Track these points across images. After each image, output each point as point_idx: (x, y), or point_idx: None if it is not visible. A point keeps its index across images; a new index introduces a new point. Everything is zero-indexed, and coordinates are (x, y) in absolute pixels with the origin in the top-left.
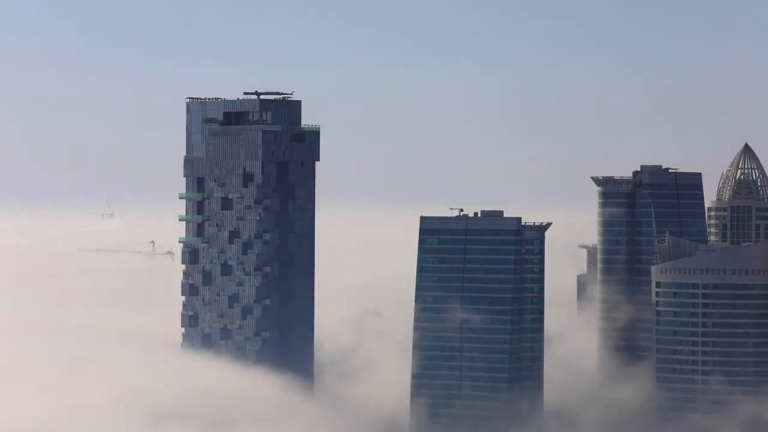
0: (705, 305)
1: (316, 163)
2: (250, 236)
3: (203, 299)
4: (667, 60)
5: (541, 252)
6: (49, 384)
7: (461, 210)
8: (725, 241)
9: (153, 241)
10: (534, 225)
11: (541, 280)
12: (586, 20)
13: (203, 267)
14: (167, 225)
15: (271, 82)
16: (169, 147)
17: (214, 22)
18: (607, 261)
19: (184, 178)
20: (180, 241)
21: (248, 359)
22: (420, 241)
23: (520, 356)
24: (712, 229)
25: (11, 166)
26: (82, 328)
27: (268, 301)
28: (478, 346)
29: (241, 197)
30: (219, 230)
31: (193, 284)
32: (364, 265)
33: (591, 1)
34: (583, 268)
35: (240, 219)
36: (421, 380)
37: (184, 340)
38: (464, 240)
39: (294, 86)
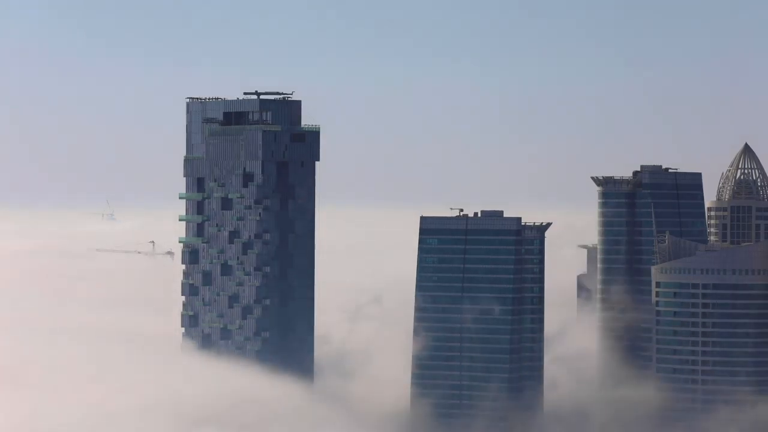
0: (705, 305)
1: (316, 163)
2: (250, 236)
3: (203, 299)
4: (667, 60)
5: (541, 252)
6: (72, 387)
7: (461, 210)
8: (725, 241)
9: (153, 241)
10: (534, 225)
11: (541, 280)
12: (586, 20)
13: (203, 267)
14: (167, 225)
15: (271, 82)
16: (169, 147)
17: (214, 22)
18: (607, 261)
19: (184, 178)
20: (180, 241)
21: (248, 359)
22: (420, 241)
23: (520, 356)
24: (712, 229)
25: (11, 166)
26: (90, 329)
27: (268, 301)
28: (478, 346)
29: (241, 197)
30: (219, 230)
31: (193, 284)
32: (364, 265)
33: (591, 1)
34: (583, 268)
35: (240, 219)
36: (421, 380)
37: (184, 340)
38: (464, 240)
39: (294, 86)
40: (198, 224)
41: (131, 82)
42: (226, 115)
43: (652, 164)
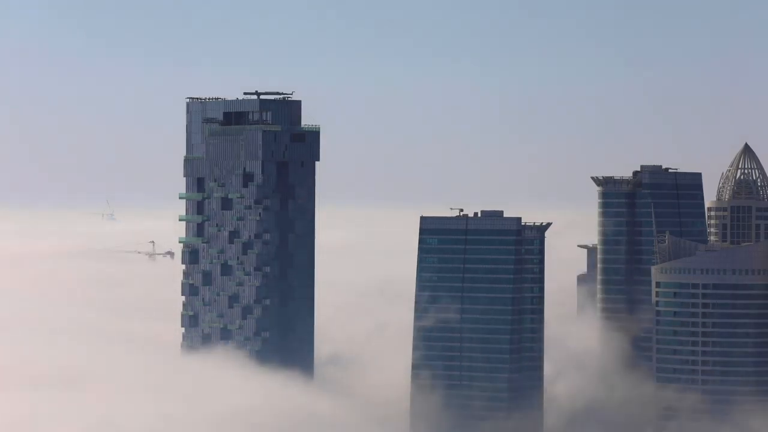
0: (705, 305)
1: (316, 163)
2: (250, 236)
3: (203, 299)
4: (667, 60)
5: (541, 252)
6: (127, 391)
7: (461, 210)
8: (725, 241)
9: (153, 241)
10: (534, 225)
11: (541, 280)
12: (586, 20)
13: (203, 267)
14: (167, 225)
15: (271, 82)
16: (169, 147)
17: (214, 22)
18: (607, 261)
19: (184, 178)
20: (180, 241)
21: (248, 359)
22: (420, 241)
23: (520, 356)
24: (712, 229)
25: (11, 166)
26: (107, 333)
27: (268, 301)
28: (478, 346)
29: (241, 197)
30: (219, 230)
31: (193, 284)
32: (364, 265)
33: (591, 1)
34: (583, 268)
35: (240, 219)
36: (421, 380)
37: (184, 340)
38: (464, 240)
39: (294, 86)
40: (198, 224)
41: (131, 82)
42: (226, 115)
43: (652, 164)
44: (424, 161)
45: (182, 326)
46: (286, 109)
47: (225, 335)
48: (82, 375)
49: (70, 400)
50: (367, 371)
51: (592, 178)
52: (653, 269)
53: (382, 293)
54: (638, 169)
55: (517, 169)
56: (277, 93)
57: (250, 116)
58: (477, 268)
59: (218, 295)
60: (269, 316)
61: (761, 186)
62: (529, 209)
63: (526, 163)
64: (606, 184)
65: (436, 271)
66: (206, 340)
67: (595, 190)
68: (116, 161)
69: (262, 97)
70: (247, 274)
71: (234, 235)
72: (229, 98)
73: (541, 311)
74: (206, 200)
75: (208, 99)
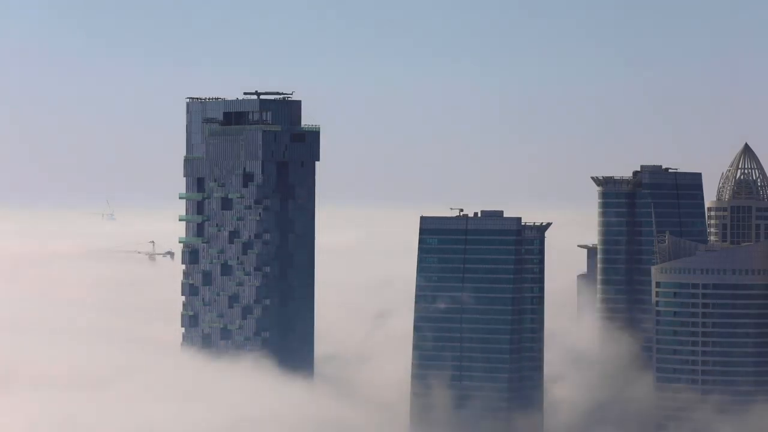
0: (705, 305)
1: (316, 163)
2: (250, 236)
3: (203, 299)
4: (667, 60)
5: (541, 252)
6: (153, 396)
7: (461, 210)
8: (725, 241)
9: (153, 241)
10: (534, 225)
11: (541, 280)
12: (586, 20)
13: (203, 267)
14: (167, 225)
15: (271, 82)
16: (169, 147)
17: (214, 22)
18: (607, 261)
19: (184, 178)
20: (180, 241)
21: (248, 359)
22: (420, 241)
23: (520, 356)
24: (712, 229)
25: (11, 166)
26: (111, 333)
27: (268, 301)
28: (478, 345)
29: (241, 197)
30: (219, 230)
31: (193, 284)
32: (364, 265)
33: (591, 1)
34: (583, 268)
35: (240, 219)
36: (421, 380)
37: (184, 340)
38: (464, 240)
39: (294, 86)
40: (198, 224)
41: (131, 82)
42: (226, 115)
43: (652, 164)
44: (424, 161)
45: (182, 326)
46: (286, 109)
47: (225, 335)
48: (94, 377)
49: (89, 401)
50: (367, 371)
51: (592, 178)
52: (653, 269)
53: (382, 293)
54: (638, 169)
55: (517, 169)
56: (277, 93)
57: (250, 116)
58: (477, 268)
59: (218, 295)
60: (269, 316)
61: (761, 186)
62: (529, 209)
63: (526, 163)
64: (606, 184)
65: (436, 271)
66: (206, 340)
67: (595, 190)
68: (116, 161)
69: (262, 97)
70: (247, 274)
71: (234, 235)
72: (229, 98)
73: (541, 311)
74: (206, 200)
75: (208, 99)
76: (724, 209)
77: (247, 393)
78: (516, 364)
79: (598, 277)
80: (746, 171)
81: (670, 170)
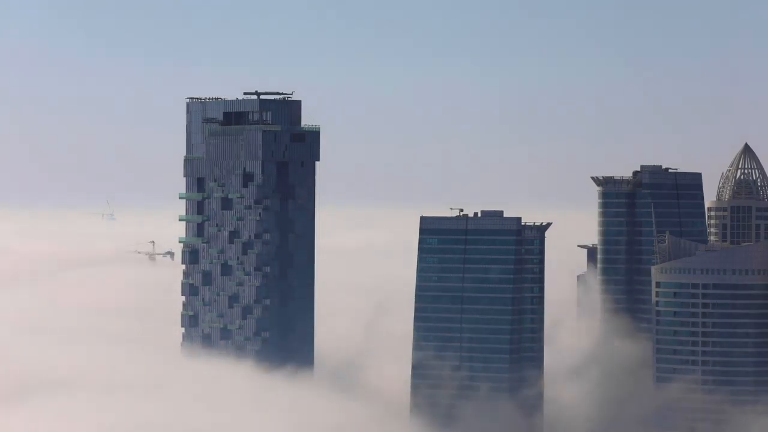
0: (705, 305)
1: (316, 163)
2: (250, 236)
3: (203, 299)
4: (667, 60)
5: (541, 252)
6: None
7: (461, 210)
8: (725, 241)
9: (153, 241)
10: (534, 225)
11: (541, 280)
12: (586, 20)
13: (203, 267)
14: (167, 225)
15: (271, 82)
16: (169, 147)
17: (214, 22)
18: (607, 261)
19: (184, 178)
20: (180, 241)
21: (248, 359)
22: (420, 241)
23: (520, 356)
24: (712, 229)
25: (11, 166)
26: (112, 333)
27: (268, 301)
28: (478, 346)
29: (241, 197)
30: (219, 230)
31: (193, 284)
32: (364, 265)
33: (591, 1)
34: (583, 268)
35: (240, 219)
36: (421, 380)
37: (184, 340)
38: (464, 240)
39: (294, 86)
40: (198, 224)
41: (131, 82)
42: (226, 115)
43: (652, 164)
44: (424, 161)
45: (182, 326)
46: (286, 109)
47: (225, 335)
48: (100, 378)
49: (102, 404)
50: (367, 371)
51: (592, 178)
52: (653, 269)
53: (382, 293)
54: (638, 169)
55: (517, 169)
56: (277, 93)
57: (250, 116)
58: (477, 268)
59: (218, 295)
60: (269, 316)
61: (761, 186)
62: (529, 209)
63: (526, 163)
64: (606, 184)
65: (436, 271)
66: (206, 340)
67: (595, 190)
68: (116, 161)
69: (262, 97)
70: (247, 274)
71: (234, 235)
72: (229, 98)
73: (541, 311)
74: (206, 200)
75: (208, 99)
76: (724, 209)
77: (249, 393)
78: (516, 364)
79: (598, 277)
80: (746, 171)
81: (670, 170)
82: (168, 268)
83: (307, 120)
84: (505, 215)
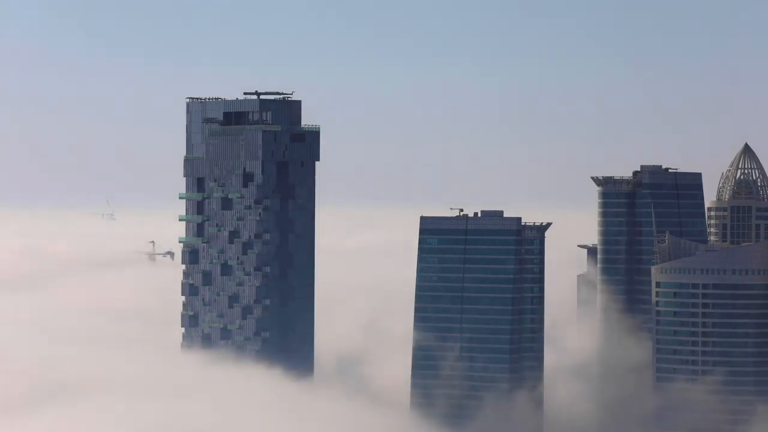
0: (705, 305)
1: (316, 163)
2: (250, 236)
3: (203, 299)
4: (667, 60)
5: (541, 252)
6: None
7: (461, 210)
8: (725, 241)
9: (153, 241)
10: (534, 225)
11: (541, 280)
12: (586, 20)
13: (203, 267)
14: (167, 225)
15: (271, 82)
16: (169, 147)
17: (214, 22)
18: (607, 261)
19: (184, 178)
20: (180, 241)
21: (248, 359)
22: (420, 241)
23: (520, 356)
24: (712, 229)
25: (11, 166)
26: (112, 334)
27: (268, 301)
28: (478, 346)
29: (241, 197)
30: (219, 230)
31: (193, 284)
32: (364, 265)
33: (591, 1)
34: (583, 268)
35: (240, 219)
36: (421, 380)
37: (184, 340)
38: (464, 240)
39: (294, 86)
40: (198, 224)
41: (131, 82)
42: (226, 115)
43: (652, 164)
44: (424, 161)
45: (182, 326)
46: (286, 109)
47: (225, 335)
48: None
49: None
50: (367, 371)
51: (592, 178)
52: (653, 269)
53: (382, 293)
54: (638, 169)
55: (517, 169)
56: (277, 93)
57: (250, 116)
58: (477, 268)
59: (218, 295)
60: (269, 316)
61: (761, 186)
62: (529, 209)
63: (526, 163)
64: (606, 184)
65: (436, 271)
66: (206, 340)
67: (595, 190)
68: (116, 161)
69: (262, 97)
70: (247, 274)
71: (234, 235)
72: (229, 98)
73: (541, 311)
74: (206, 200)
75: (208, 99)
76: (724, 209)
77: (249, 393)
78: (516, 364)
79: (598, 277)
80: (746, 171)
81: (670, 170)
82: (168, 268)
83: (307, 120)
84: (505, 215)
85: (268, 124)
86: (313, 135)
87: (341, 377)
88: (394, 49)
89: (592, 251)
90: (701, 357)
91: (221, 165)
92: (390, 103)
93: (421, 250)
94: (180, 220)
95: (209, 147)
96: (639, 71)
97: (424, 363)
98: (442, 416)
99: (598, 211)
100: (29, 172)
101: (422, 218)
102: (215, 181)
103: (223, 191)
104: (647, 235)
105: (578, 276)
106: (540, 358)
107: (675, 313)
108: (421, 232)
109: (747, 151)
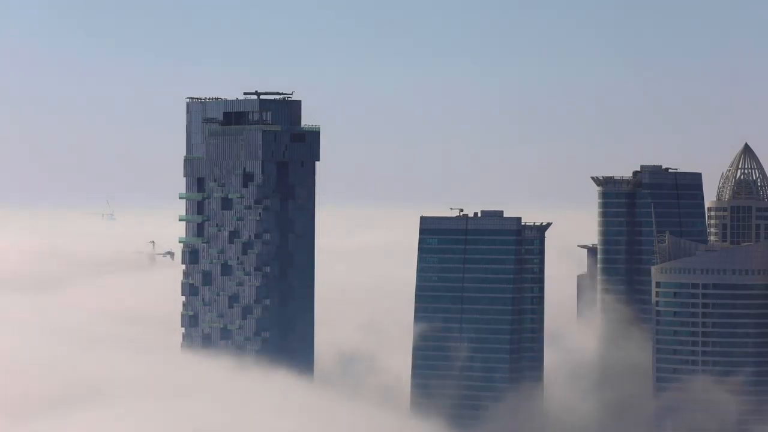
0: (705, 305)
1: (316, 163)
2: (250, 236)
3: (203, 299)
4: (667, 60)
5: (541, 252)
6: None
7: (461, 210)
8: (725, 241)
9: (153, 241)
10: (534, 225)
11: (541, 280)
12: (586, 20)
13: (203, 267)
14: (167, 225)
15: (271, 82)
16: (169, 147)
17: (215, 22)
18: (607, 261)
19: (184, 178)
20: (180, 241)
21: (248, 359)
22: (420, 241)
23: (520, 356)
24: (712, 229)
25: (11, 166)
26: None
27: (268, 301)
28: (478, 346)
29: (241, 197)
30: (219, 230)
31: (193, 284)
32: (364, 265)
33: (591, 1)
34: (583, 268)
35: (240, 219)
36: (421, 380)
37: (184, 341)
38: (464, 240)
39: (294, 86)
40: (198, 224)
41: (131, 82)
42: (226, 115)
43: (652, 164)
44: (424, 161)
45: (182, 326)
46: (286, 109)
47: (225, 335)
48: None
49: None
50: (367, 371)
51: (592, 178)
52: (653, 269)
53: (382, 293)
54: (638, 169)
55: (517, 169)
56: (277, 93)
57: (250, 116)
58: (477, 268)
59: (218, 295)
60: (269, 316)
61: (761, 186)
62: (529, 209)
63: (526, 163)
64: (606, 184)
65: (436, 271)
66: (206, 340)
67: (595, 190)
68: (116, 161)
69: (262, 97)
70: (247, 274)
71: (234, 235)
72: (229, 98)
73: (541, 311)
74: (206, 200)
75: (208, 99)
76: (724, 209)
77: (248, 393)
78: (516, 364)
79: (598, 277)
80: (746, 171)
81: (670, 170)
82: (168, 268)
83: (307, 120)
84: (505, 215)
85: (268, 124)
86: (313, 135)
87: (341, 377)
88: (394, 49)
89: (592, 251)
90: (701, 357)
91: (221, 165)
92: (390, 103)
93: (421, 250)
94: (180, 220)
95: (209, 147)
96: (639, 71)
97: (424, 363)
98: (443, 416)
99: (598, 211)
100: (29, 172)
101: (422, 218)
102: (215, 181)
103: (223, 191)
104: (647, 235)
105: (578, 276)
106: (540, 358)
107: (675, 313)
108: (421, 232)
109: (747, 151)
